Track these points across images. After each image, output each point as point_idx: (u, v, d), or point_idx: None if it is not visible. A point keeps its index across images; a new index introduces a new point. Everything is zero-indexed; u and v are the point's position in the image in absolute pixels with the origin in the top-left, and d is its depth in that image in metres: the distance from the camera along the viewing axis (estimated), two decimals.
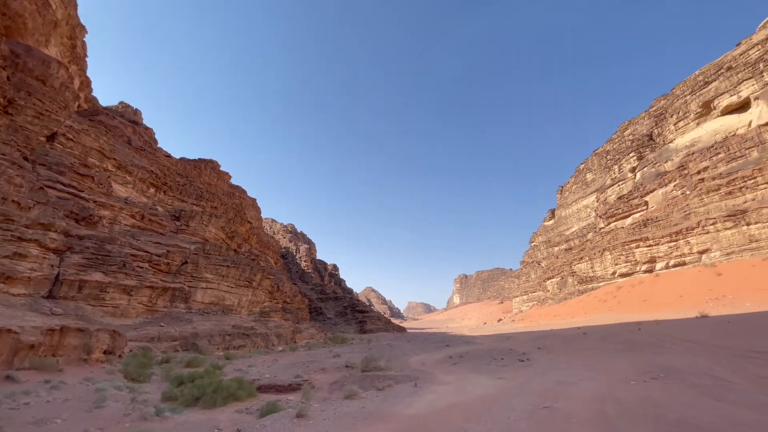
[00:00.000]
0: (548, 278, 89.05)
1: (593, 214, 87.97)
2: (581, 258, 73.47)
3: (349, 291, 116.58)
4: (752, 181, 46.95)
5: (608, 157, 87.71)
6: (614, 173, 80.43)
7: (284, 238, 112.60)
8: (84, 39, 43.48)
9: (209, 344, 24.98)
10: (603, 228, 74.39)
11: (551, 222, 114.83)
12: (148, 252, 28.68)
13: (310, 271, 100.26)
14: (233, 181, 67.14)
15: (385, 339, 47.69)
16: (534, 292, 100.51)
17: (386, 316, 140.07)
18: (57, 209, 23.53)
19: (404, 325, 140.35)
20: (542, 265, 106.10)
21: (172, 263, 30.29)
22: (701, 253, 50.66)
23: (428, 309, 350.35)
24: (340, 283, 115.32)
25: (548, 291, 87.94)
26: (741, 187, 48.05)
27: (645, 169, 70.59)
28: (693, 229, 51.55)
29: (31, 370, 12.27)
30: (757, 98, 52.20)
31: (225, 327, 29.00)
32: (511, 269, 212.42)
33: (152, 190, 36.71)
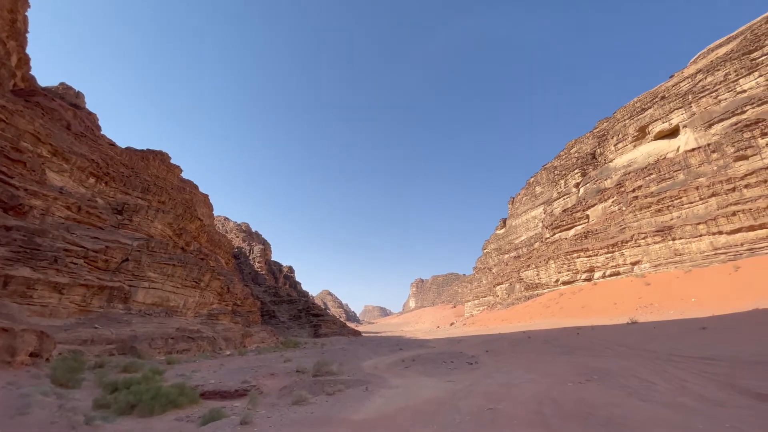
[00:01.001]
0: (498, 284, 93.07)
1: (540, 224, 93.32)
2: (528, 265, 77.57)
3: (305, 294, 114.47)
4: (678, 200, 52.21)
5: (556, 172, 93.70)
6: (560, 187, 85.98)
7: (237, 237, 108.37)
8: (26, 13, 39.39)
9: (150, 348, 23.43)
10: (549, 238, 79.17)
11: (503, 231, 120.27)
12: (84, 247, 26.41)
13: (264, 272, 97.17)
14: (184, 175, 63.72)
15: (340, 343, 47.30)
16: (485, 297, 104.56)
17: (342, 319, 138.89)
18: None
19: (360, 328, 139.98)
20: (493, 271, 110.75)
21: (111, 260, 28.12)
22: (633, 264, 55.44)
23: (384, 313, 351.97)
24: (295, 285, 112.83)
25: (498, 296, 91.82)
26: (669, 206, 53.24)
27: (588, 185, 76.13)
28: (627, 242, 56.34)
29: None
30: (685, 126, 58.30)
31: (168, 330, 27.34)
32: (465, 274, 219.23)
33: (92, 180, 33.90)
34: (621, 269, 57.09)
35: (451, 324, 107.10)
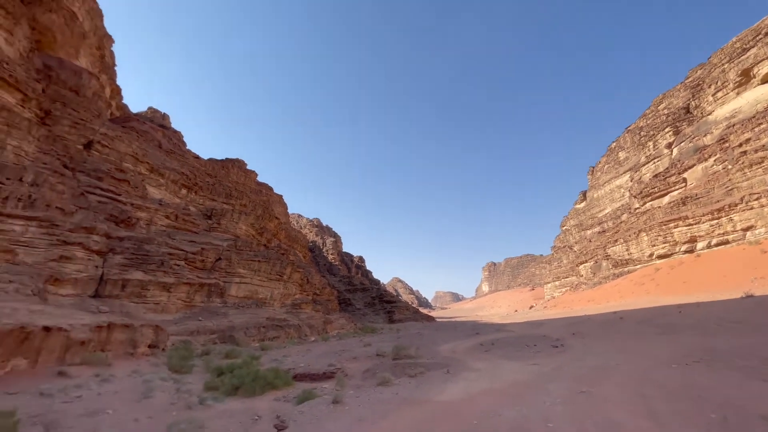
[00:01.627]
0: (581, 263, 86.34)
1: (627, 194, 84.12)
2: (616, 240, 70.69)
3: (376, 282, 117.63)
4: None
5: (642, 133, 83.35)
6: (649, 150, 76.44)
7: (311, 232, 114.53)
8: (111, 48, 45.25)
9: (245, 336, 25.92)
10: (638, 208, 71.13)
11: (583, 204, 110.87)
12: (183, 250, 29.90)
13: (337, 263, 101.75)
14: (259, 178, 68.74)
15: (414, 328, 47.91)
16: (566, 277, 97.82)
17: (414, 305, 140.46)
18: (98, 213, 24.87)
19: (432, 314, 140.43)
20: (574, 249, 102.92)
21: (206, 260, 31.48)
22: (745, 230, 47.58)
23: (456, 298, 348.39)
24: (367, 274, 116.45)
25: (581, 276, 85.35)
26: None
27: (682, 144, 66.67)
28: (736, 205, 48.41)
29: (82, 366, 13.09)
30: None
31: (259, 319, 29.97)
32: (541, 255, 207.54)
33: (184, 190, 38.12)
34: (730, 237, 49.35)
35: (531, 307, 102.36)
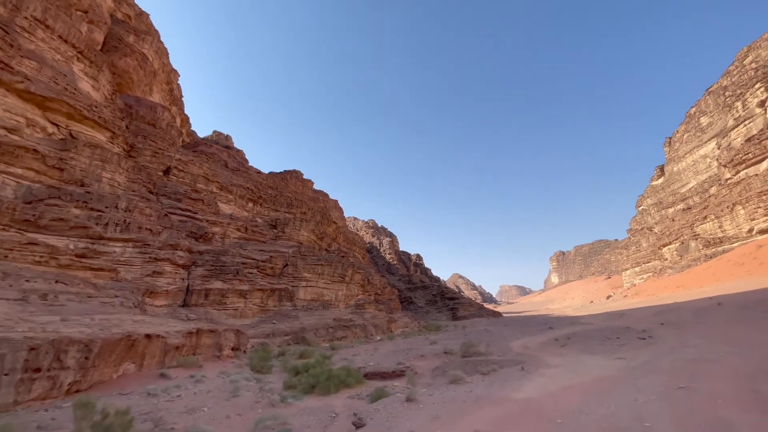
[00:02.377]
0: (664, 245, 77.99)
1: (715, 163, 74.44)
2: (705, 217, 62.88)
3: (436, 279, 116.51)
4: None
5: (727, 93, 73.25)
6: (737, 111, 66.92)
7: (367, 233, 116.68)
8: (178, 82, 49.96)
9: (315, 336, 27.11)
10: (730, 179, 62.57)
11: (660, 181, 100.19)
12: (255, 259, 32.10)
13: (395, 262, 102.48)
14: (315, 186, 71.61)
15: (480, 324, 46.64)
16: (648, 262, 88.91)
17: (478, 301, 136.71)
18: (180, 231, 27.61)
19: (498, 309, 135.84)
20: (655, 230, 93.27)
21: (275, 267, 33.48)
22: None
23: (523, 291, 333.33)
24: (425, 272, 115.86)
25: (666, 259, 77.07)
26: None
27: None
28: None
29: (178, 368, 14.62)
30: None
31: (327, 320, 31.19)
32: (616, 240, 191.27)
33: (250, 204, 40.93)
34: None
35: (608, 297, 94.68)
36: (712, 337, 14.00)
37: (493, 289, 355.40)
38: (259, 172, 50.36)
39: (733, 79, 75.32)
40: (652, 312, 29.87)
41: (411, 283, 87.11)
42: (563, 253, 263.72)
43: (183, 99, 51.11)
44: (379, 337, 33.05)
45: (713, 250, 59.84)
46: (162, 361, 14.59)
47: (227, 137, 56.64)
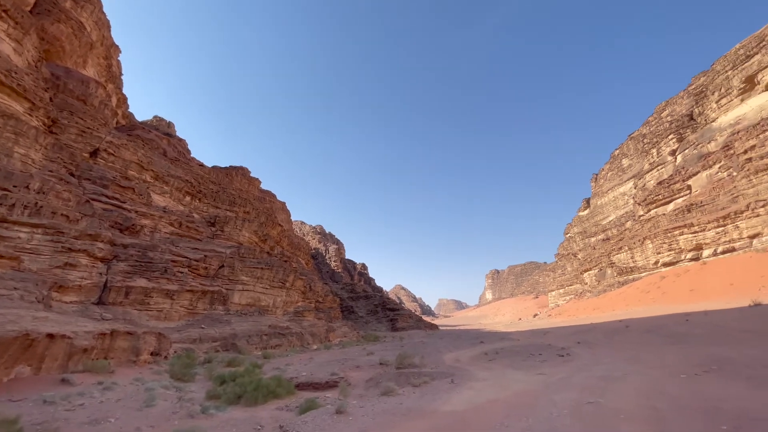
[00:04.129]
0: (585, 270, 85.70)
1: (631, 201, 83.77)
2: (620, 248, 70.20)
3: (379, 289, 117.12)
4: None
5: (645, 140, 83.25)
6: (652, 157, 76.27)
7: (314, 239, 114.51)
8: (118, 58, 45.89)
9: (248, 344, 25.78)
10: (643, 215, 70.74)
11: (586, 212, 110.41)
12: (187, 257, 29.94)
13: (340, 270, 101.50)
14: (263, 186, 69.03)
15: (417, 336, 47.55)
16: (571, 285, 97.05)
17: (417, 313, 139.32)
18: (102, 220, 25.00)
19: (436, 322, 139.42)
20: (579, 256, 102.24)
21: (209, 267, 31.48)
22: (752, 237, 47.15)
23: (460, 306, 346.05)
24: (369, 281, 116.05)
25: (586, 284, 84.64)
26: None
27: (686, 151, 66.50)
28: (742, 212, 48.05)
29: (84, 373, 13.02)
30: None
31: (262, 327, 29.84)
32: (545, 262, 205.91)
33: (188, 198, 38.28)
34: (736, 244, 48.90)
35: (535, 315, 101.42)
36: (620, 357, 15.50)
37: (432, 302, 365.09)
38: (201, 165, 47.50)
39: (651, 129, 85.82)
40: (571, 331, 32.45)
41: (354, 293, 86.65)
42: (498, 272, 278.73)
43: (123, 77, 47.02)
44: (315, 347, 32.29)
45: (625, 277, 66.80)
46: (65, 365, 12.95)
47: (169, 124, 52.85)
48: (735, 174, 52.45)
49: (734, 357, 12.09)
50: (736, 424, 6.20)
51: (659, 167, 73.69)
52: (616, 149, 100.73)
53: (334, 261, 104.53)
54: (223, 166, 55.34)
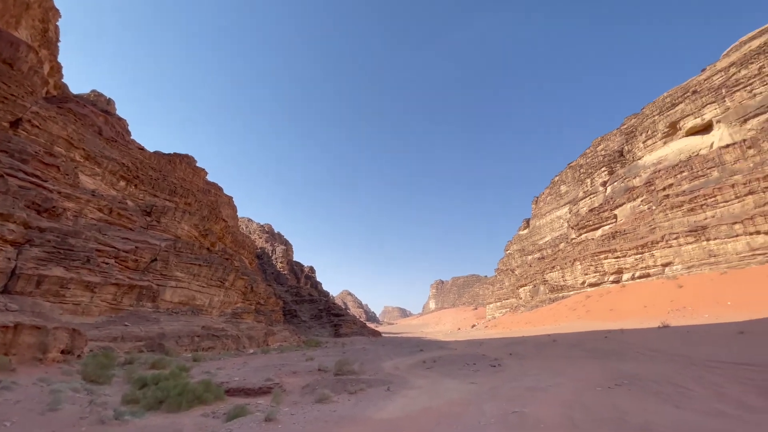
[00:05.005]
0: (521, 286, 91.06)
1: (566, 224, 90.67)
2: (553, 267, 75.53)
3: (326, 294, 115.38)
4: (712, 199, 49.69)
5: (581, 170, 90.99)
6: (586, 186, 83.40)
7: (260, 238, 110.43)
8: (57, 23, 41.48)
9: (177, 345, 24.08)
10: (574, 239, 76.84)
11: (526, 231, 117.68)
12: (115, 247, 27.45)
13: (285, 272, 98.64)
14: (209, 177, 65.44)
15: (360, 343, 47.41)
16: (507, 299, 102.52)
17: (362, 320, 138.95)
18: (17, 199, 22.20)
19: (380, 329, 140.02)
20: (516, 272, 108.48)
21: (140, 260, 29.10)
22: (664, 265, 53.06)
23: (404, 314, 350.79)
24: (316, 285, 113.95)
25: (521, 298, 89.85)
26: (702, 205, 50.74)
27: (615, 183, 73.51)
28: (657, 242, 53.99)
29: None
30: (718, 121, 55.47)
31: (194, 328, 28.05)
32: (486, 276, 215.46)
33: (122, 183, 35.25)
34: (651, 271, 54.73)
35: (473, 326, 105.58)
36: (546, 369, 16.53)
37: (377, 309, 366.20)
38: (142, 149, 44.08)
39: (587, 160, 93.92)
40: (504, 343, 34.16)
41: (299, 296, 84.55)
42: (442, 282, 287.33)
43: (60, 44, 42.48)
44: (252, 351, 30.95)
45: (556, 295, 71.89)
46: None
47: (109, 101, 48.54)
48: (654, 208, 58.87)
49: (643, 373, 13.33)
50: None
51: (592, 196, 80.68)
52: (556, 176, 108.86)
53: (281, 262, 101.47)
54: (166, 152, 51.72)
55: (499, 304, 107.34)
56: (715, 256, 47.18)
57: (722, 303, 37.00)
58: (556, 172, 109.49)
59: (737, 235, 45.37)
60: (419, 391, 12.15)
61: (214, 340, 28.03)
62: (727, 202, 48.24)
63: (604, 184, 78.21)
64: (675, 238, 51.81)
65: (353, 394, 11.52)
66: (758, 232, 43.36)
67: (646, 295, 49.00)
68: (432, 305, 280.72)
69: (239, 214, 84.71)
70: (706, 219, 50.05)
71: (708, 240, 48.22)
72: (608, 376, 13.28)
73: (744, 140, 49.67)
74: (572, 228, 79.03)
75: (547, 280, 76.24)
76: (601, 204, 73.67)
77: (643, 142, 69.21)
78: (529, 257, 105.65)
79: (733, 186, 47.76)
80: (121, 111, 54.96)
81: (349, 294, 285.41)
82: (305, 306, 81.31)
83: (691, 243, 50.00)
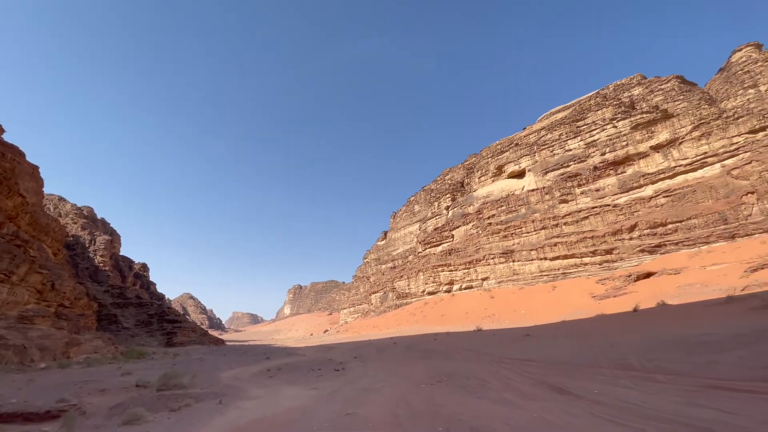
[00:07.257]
0: (374, 292, 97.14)
1: (416, 239, 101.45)
2: (401, 276, 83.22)
3: (160, 297, 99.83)
4: (519, 229, 63.21)
5: (432, 194, 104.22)
6: (434, 208, 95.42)
7: (75, 223, 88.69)
8: None
9: None
10: (420, 252, 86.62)
11: (383, 242, 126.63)
12: None
13: (107, 269, 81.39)
14: (7, 137, 49.57)
15: (198, 353, 42.49)
16: (360, 304, 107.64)
17: (204, 326, 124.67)
18: None
19: (225, 336, 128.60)
20: (371, 280, 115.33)
21: None
22: (483, 279, 64.55)
23: (256, 320, 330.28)
24: (148, 286, 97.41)
25: (372, 304, 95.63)
26: (512, 233, 63.98)
27: (455, 209, 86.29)
28: (480, 260, 65.48)
29: None
30: (530, 170, 71.24)
31: None
32: (344, 282, 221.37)
33: None
34: (474, 284, 65.81)
35: (325, 331, 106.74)
36: (383, 370, 17.85)
37: (225, 315, 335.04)
38: None
39: (437, 186, 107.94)
40: (352, 347, 35.64)
41: (123, 298, 70.72)
42: (301, 287, 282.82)
43: None
44: (44, 365, 24.38)
45: (401, 301, 79.17)
46: None
47: None
48: (480, 232, 71.18)
49: (458, 370, 15.56)
50: (448, 425, 7.91)
51: (437, 217, 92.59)
52: (413, 196, 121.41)
53: (102, 255, 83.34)
54: None
55: (352, 309, 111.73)
56: (517, 275, 59.77)
57: (518, 311, 46.93)
58: (413, 193, 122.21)
59: (533, 259, 58.59)
60: (256, 401, 11.66)
61: None
62: (528, 233, 62.00)
63: (447, 207, 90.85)
64: (492, 258, 63.64)
65: (175, 411, 10.28)
66: (546, 258, 56.90)
67: (469, 303, 58.50)
68: (287, 311, 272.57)
69: (47, 190, 66.53)
70: (513, 245, 63.17)
71: (513, 261, 60.86)
72: (432, 374, 15.11)
73: (544, 187, 64.99)
74: (420, 243, 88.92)
75: (395, 288, 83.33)
76: (443, 225, 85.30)
77: (478, 178, 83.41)
78: (384, 266, 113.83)
79: (533, 221, 61.75)
80: None
81: (191, 297, 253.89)
82: (130, 310, 68.66)
83: (502, 263, 62.20)
